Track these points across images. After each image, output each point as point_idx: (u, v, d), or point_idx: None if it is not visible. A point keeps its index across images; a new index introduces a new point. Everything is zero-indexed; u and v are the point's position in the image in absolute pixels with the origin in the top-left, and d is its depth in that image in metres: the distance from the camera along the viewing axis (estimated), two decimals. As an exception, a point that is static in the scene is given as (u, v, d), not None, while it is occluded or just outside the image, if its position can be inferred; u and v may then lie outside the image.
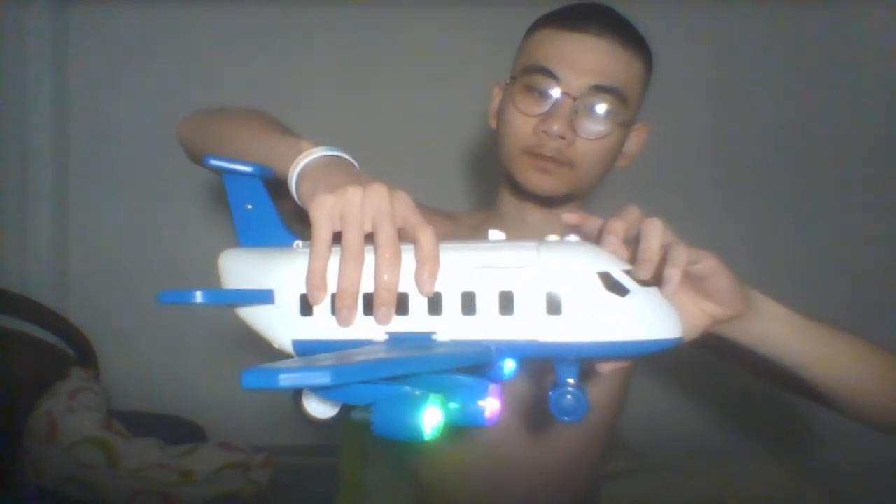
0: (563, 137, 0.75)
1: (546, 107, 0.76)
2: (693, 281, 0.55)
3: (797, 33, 1.75)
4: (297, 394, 0.49)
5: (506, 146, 0.80)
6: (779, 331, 0.60)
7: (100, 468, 1.27)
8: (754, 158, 1.77)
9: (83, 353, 1.61)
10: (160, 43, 1.71)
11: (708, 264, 0.54)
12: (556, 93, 0.75)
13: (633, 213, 0.55)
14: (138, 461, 1.29)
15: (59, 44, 1.68)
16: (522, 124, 0.77)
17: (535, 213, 0.85)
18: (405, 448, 1.44)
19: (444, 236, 0.89)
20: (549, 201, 0.81)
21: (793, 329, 0.61)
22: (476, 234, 0.91)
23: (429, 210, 0.93)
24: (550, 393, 0.49)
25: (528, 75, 0.77)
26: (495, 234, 0.53)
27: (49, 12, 1.66)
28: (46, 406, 1.33)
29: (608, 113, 0.76)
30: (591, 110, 0.76)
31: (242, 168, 0.56)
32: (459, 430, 0.45)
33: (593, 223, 0.57)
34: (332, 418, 0.48)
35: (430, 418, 0.42)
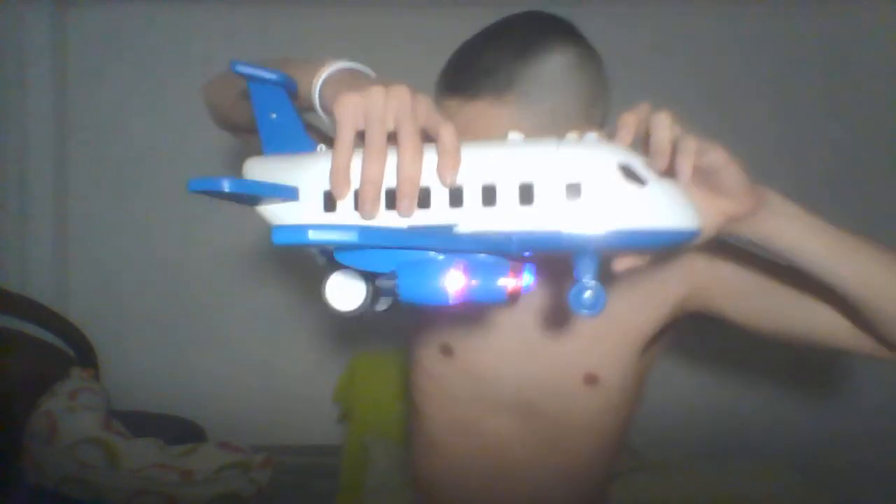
0: None
1: None
2: (704, 176, 0.55)
3: (797, 32, 1.75)
4: (323, 283, 0.49)
5: None
6: (795, 229, 0.59)
7: (100, 468, 1.27)
8: (754, 157, 1.76)
9: (83, 353, 1.61)
10: (160, 43, 1.71)
11: (716, 156, 0.54)
12: None
13: (644, 107, 0.54)
14: (138, 461, 1.29)
15: (59, 44, 1.68)
16: None
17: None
18: (405, 448, 1.44)
19: None
20: None
21: (811, 227, 0.60)
22: None
23: None
24: (570, 288, 0.50)
25: None
26: (515, 134, 0.54)
27: (49, 12, 1.66)
28: (46, 406, 1.33)
29: None
30: None
31: (268, 75, 0.56)
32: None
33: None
34: (357, 309, 0.49)
35: (454, 282, 0.44)
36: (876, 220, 1.76)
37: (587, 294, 0.50)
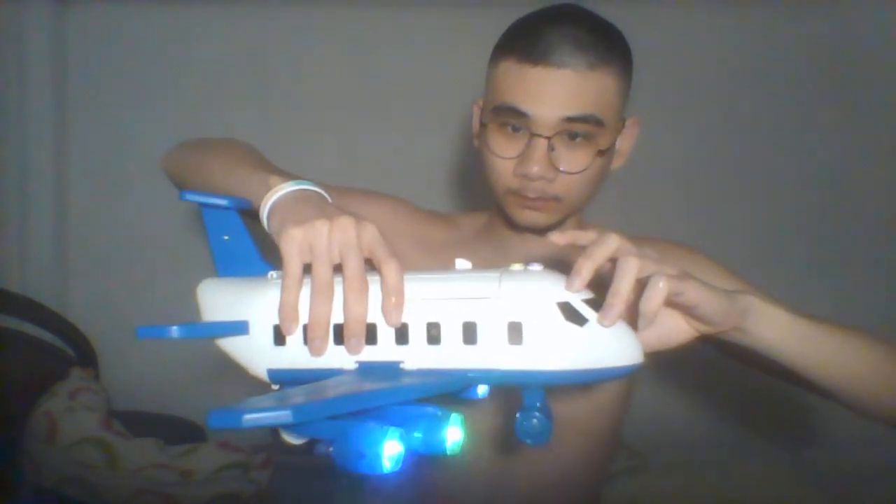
0: (544, 178, 0.72)
1: (521, 147, 0.73)
2: (677, 306, 0.55)
3: (797, 32, 1.75)
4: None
5: (490, 184, 0.79)
6: (776, 337, 0.59)
7: (100, 468, 1.27)
8: (755, 157, 1.77)
9: (83, 353, 1.61)
10: (160, 43, 1.70)
11: (691, 296, 0.53)
12: (527, 131, 0.72)
13: (612, 243, 0.53)
14: (138, 461, 1.29)
15: (59, 44, 1.68)
16: (502, 167, 0.75)
17: (530, 238, 0.83)
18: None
19: (441, 241, 0.88)
20: (542, 231, 0.79)
21: (791, 334, 0.60)
22: (479, 237, 0.90)
23: (426, 214, 0.92)
24: (517, 415, 0.50)
25: (498, 115, 0.74)
26: (462, 262, 0.55)
27: (49, 12, 1.66)
28: (46, 406, 1.33)
29: (586, 141, 0.73)
30: (567, 143, 0.73)
31: (217, 202, 0.58)
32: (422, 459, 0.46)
33: (584, 238, 0.56)
34: (307, 443, 0.49)
35: (390, 451, 0.44)
36: (876, 220, 1.77)
37: (533, 423, 0.50)
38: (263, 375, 0.56)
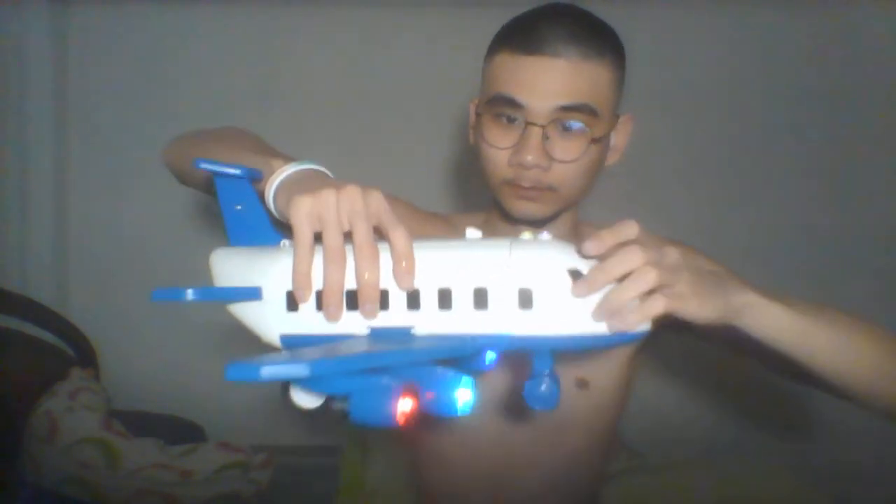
0: (538, 166, 0.73)
1: (516, 137, 0.74)
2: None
3: (800, 32, 1.75)
4: (284, 386, 0.51)
5: (486, 176, 0.80)
6: (772, 334, 0.60)
7: (100, 468, 1.27)
8: (755, 157, 1.77)
9: (83, 353, 1.61)
10: (160, 42, 1.71)
11: (687, 314, 0.53)
12: (522, 122, 0.73)
13: (630, 231, 0.53)
14: (138, 461, 1.29)
15: (59, 44, 1.68)
16: (497, 157, 0.76)
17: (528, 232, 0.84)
18: (406, 449, 1.44)
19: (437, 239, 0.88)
20: (539, 223, 0.80)
21: (789, 329, 0.60)
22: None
23: (425, 214, 0.92)
24: (525, 382, 0.52)
25: (493, 106, 0.76)
26: (472, 232, 0.55)
27: (49, 12, 1.66)
28: (46, 406, 1.33)
29: (580, 131, 0.74)
30: (561, 133, 0.73)
31: (231, 171, 0.58)
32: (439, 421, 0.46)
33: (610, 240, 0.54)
34: (318, 408, 0.50)
35: (404, 407, 0.46)
36: (876, 220, 1.77)
37: (542, 388, 0.51)
38: (276, 341, 0.56)
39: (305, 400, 0.50)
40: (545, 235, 0.52)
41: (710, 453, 1.59)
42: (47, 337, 1.58)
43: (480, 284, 0.50)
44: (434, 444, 0.91)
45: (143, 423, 1.43)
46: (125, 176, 1.73)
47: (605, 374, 0.85)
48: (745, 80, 1.76)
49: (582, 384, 0.84)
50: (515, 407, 0.84)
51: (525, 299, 0.49)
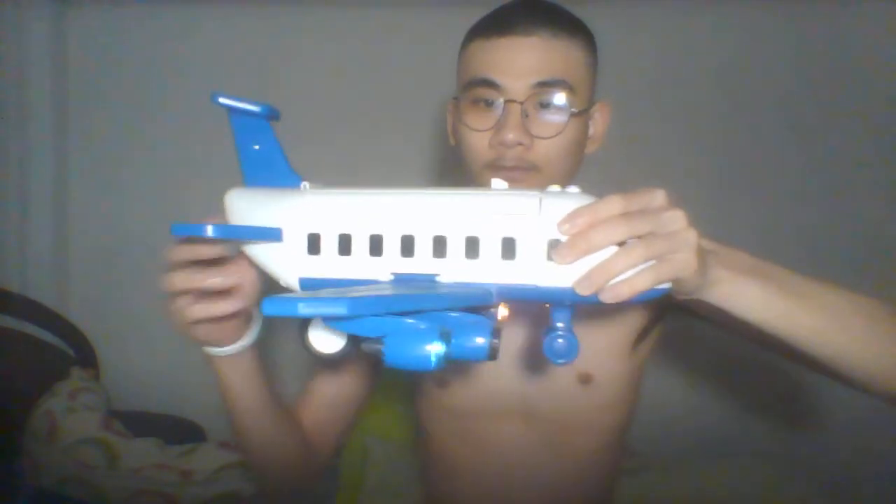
0: (520, 143, 0.73)
1: (495, 118, 0.74)
2: None
3: (798, 29, 1.75)
4: (303, 328, 0.50)
5: (468, 165, 0.79)
6: (740, 308, 0.58)
7: (100, 468, 1.27)
8: (756, 156, 1.77)
9: (83, 353, 1.61)
10: (160, 43, 1.71)
11: (678, 279, 0.52)
12: (500, 101, 0.73)
13: (657, 200, 0.52)
14: (138, 461, 1.29)
15: (59, 44, 1.68)
16: (478, 142, 0.76)
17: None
18: (407, 449, 1.44)
19: None
20: None
21: (757, 306, 0.58)
22: None
23: None
24: (544, 336, 0.51)
25: (470, 90, 0.76)
26: (498, 182, 0.55)
27: (49, 12, 1.66)
28: (46, 406, 1.33)
29: (558, 107, 0.74)
30: (540, 109, 0.74)
31: (250, 107, 0.57)
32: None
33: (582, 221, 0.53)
34: (337, 353, 0.50)
35: (436, 350, 0.46)
36: (876, 219, 1.77)
37: (560, 342, 0.51)
38: (295, 284, 0.56)
39: (324, 344, 0.50)
40: (573, 188, 0.52)
41: (711, 453, 1.59)
42: (47, 337, 1.58)
43: (509, 234, 0.50)
44: (442, 449, 0.90)
45: (143, 423, 1.43)
46: (125, 176, 1.73)
47: (608, 366, 0.83)
48: (744, 79, 1.76)
49: (585, 379, 0.82)
50: (533, 365, 0.82)
51: (553, 249, 0.49)
